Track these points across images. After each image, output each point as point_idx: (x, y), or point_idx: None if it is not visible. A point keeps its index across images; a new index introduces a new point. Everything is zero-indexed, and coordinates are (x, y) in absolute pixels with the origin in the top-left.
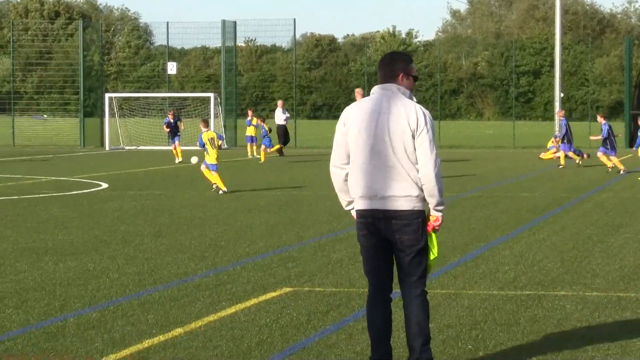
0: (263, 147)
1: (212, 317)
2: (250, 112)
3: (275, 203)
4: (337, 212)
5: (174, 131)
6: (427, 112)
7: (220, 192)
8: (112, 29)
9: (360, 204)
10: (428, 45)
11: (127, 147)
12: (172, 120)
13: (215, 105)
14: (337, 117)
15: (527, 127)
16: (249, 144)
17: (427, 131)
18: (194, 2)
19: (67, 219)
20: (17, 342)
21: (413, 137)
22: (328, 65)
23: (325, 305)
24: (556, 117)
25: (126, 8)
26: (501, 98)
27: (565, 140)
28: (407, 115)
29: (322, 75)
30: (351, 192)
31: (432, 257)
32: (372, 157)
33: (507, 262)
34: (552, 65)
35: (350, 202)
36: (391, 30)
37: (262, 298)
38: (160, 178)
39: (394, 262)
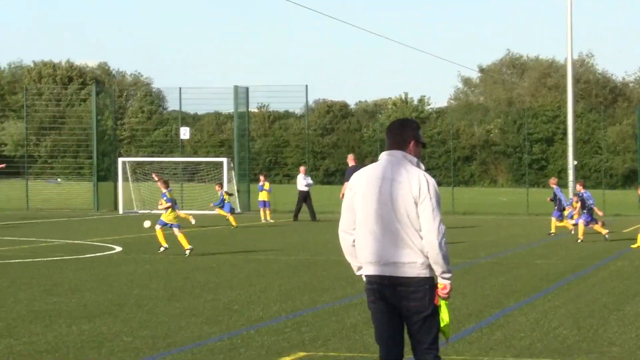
0: (222, 212)
1: None
2: (262, 178)
3: (289, 268)
4: (351, 277)
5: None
6: (431, 180)
7: (187, 251)
8: (125, 94)
9: (367, 270)
10: (440, 112)
11: (140, 211)
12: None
13: (228, 170)
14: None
15: (541, 194)
16: (261, 209)
17: (430, 198)
18: (206, 67)
19: (80, 282)
20: None
21: (416, 204)
22: (340, 131)
23: None
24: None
25: (139, 73)
26: (514, 165)
27: (586, 212)
28: (410, 183)
29: (335, 141)
30: (359, 257)
31: (442, 324)
32: (377, 223)
33: (523, 329)
34: (565, 132)
35: (360, 267)
36: (403, 97)
37: None
38: (173, 242)
39: (404, 328)
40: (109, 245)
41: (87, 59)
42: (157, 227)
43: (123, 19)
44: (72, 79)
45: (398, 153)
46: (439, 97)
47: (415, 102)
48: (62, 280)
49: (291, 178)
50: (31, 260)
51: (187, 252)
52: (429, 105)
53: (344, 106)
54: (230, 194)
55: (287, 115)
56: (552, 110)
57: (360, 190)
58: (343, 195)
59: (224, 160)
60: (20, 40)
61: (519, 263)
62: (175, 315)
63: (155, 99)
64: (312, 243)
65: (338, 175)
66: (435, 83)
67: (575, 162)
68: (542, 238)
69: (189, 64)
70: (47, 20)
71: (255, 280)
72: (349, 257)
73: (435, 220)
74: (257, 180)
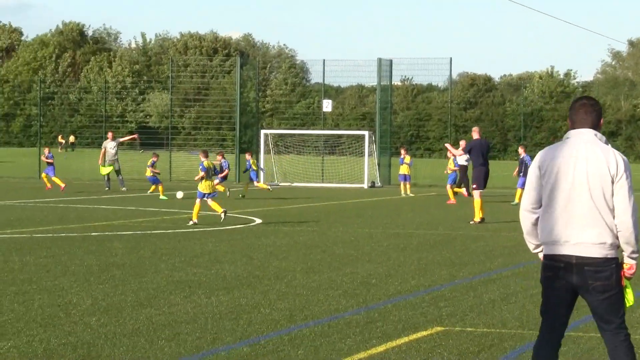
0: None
1: (362, 355)
2: (403, 151)
3: (428, 242)
4: (490, 252)
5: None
6: (625, 159)
7: (222, 216)
8: (269, 66)
9: (551, 249)
10: (587, 86)
11: (281, 184)
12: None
13: (369, 143)
14: (492, 157)
15: None
16: (402, 182)
17: (627, 177)
18: (350, 40)
19: (220, 253)
20: None
21: (612, 182)
22: (484, 105)
23: (477, 346)
24: None
25: (283, 45)
26: None
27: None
28: (607, 161)
29: (478, 115)
30: (542, 236)
31: (628, 305)
32: (570, 202)
33: None
34: None
35: (538, 246)
36: (549, 71)
37: (413, 337)
38: (313, 214)
39: (572, 310)
40: (249, 217)
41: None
42: (197, 200)
43: None
44: (216, 51)
45: (589, 132)
46: (586, 71)
47: (562, 76)
48: (202, 252)
49: (432, 152)
50: (172, 231)
51: (222, 215)
52: (575, 79)
53: (488, 79)
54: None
55: (430, 88)
56: None
57: (551, 169)
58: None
59: (366, 133)
60: (167, 12)
61: None
62: (313, 287)
63: (298, 71)
64: (452, 218)
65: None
66: (582, 57)
67: None
68: None
69: (333, 36)
70: None
71: (393, 254)
72: (527, 236)
73: (630, 200)
74: (398, 154)
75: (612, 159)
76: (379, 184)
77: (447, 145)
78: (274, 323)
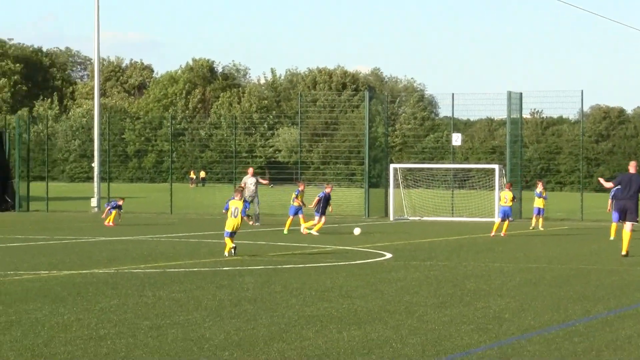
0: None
1: None
2: (540, 184)
3: (561, 276)
4: (626, 287)
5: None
6: None
7: (226, 254)
8: (397, 100)
9: None
10: None
11: (410, 218)
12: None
13: (500, 177)
14: None
15: None
16: (534, 216)
17: None
18: (479, 73)
19: (351, 288)
20: None
21: None
22: (616, 137)
23: None
24: None
25: (412, 79)
26: None
27: None
28: None
29: (610, 148)
30: None
31: None
32: None
33: None
34: None
35: None
36: None
37: None
38: (444, 249)
39: None
40: (379, 251)
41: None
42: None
43: (396, 25)
44: (345, 86)
45: None
46: None
47: None
48: (333, 286)
49: (563, 185)
50: (302, 265)
51: (226, 253)
52: None
53: (620, 112)
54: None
55: (560, 121)
56: None
57: None
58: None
59: (496, 167)
60: (296, 48)
61: None
62: (445, 322)
63: (427, 105)
64: (586, 252)
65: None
66: None
67: None
68: None
69: (462, 70)
70: (321, 28)
71: (526, 289)
72: None
73: None
74: (529, 187)
75: None
76: (511, 218)
77: (600, 179)
78: (406, 358)
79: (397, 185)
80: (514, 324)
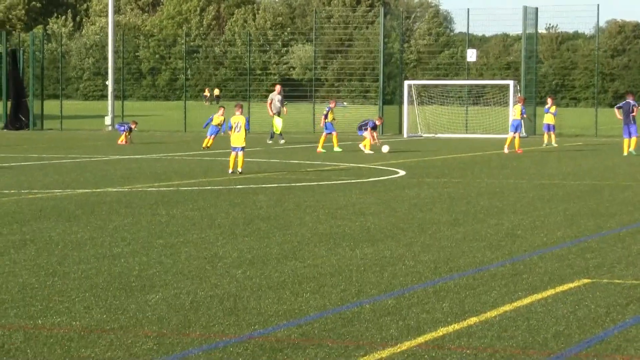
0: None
1: (507, 307)
2: (550, 100)
3: (575, 193)
4: (639, 202)
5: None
6: None
7: (239, 171)
8: (413, 16)
9: None
10: None
11: (424, 135)
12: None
13: (514, 93)
14: None
15: None
16: (546, 132)
17: None
18: None
19: (364, 205)
20: (314, 326)
21: None
22: (632, 52)
23: (625, 298)
24: None
25: None
26: None
27: None
28: None
29: (626, 63)
30: None
31: None
32: None
33: None
34: None
35: None
36: None
37: (559, 289)
38: (457, 166)
39: None
40: (392, 169)
41: None
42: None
43: None
44: (360, 2)
45: None
46: None
47: None
48: (346, 204)
49: (578, 101)
50: (316, 183)
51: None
52: None
53: (636, 26)
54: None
55: (576, 36)
56: None
57: None
58: None
59: (510, 83)
60: None
61: None
62: (458, 239)
63: (442, 21)
64: (600, 168)
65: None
66: None
67: None
68: None
69: None
70: None
71: (539, 205)
72: None
73: None
74: (544, 104)
75: None
76: (524, 134)
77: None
78: (418, 275)
79: (411, 102)
80: (526, 241)
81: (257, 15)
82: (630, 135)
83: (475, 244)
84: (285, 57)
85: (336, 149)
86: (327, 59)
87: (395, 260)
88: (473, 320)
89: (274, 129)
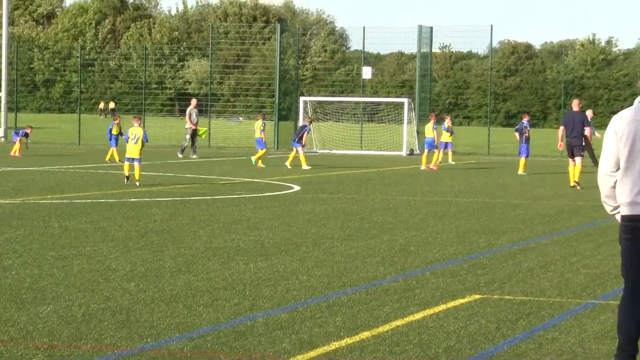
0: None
1: (399, 322)
2: (447, 118)
3: (467, 210)
4: (529, 220)
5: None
6: None
7: (137, 183)
8: (309, 33)
9: (628, 210)
10: (628, 54)
11: (320, 151)
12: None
13: (408, 110)
14: (532, 125)
15: None
16: (442, 150)
17: None
18: (390, 7)
19: (258, 220)
20: (207, 339)
21: None
22: (524, 72)
23: (515, 314)
24: None
25: (322, 11)
26: None
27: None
28: None
29: (518, 83)
30: (619, 198)
31: None
32: None
33: None
34: None
35: (616, 208)
36: (590, 38)
37: (451, 304)
38: (352, 182)
39: None
40: (287, 184)
41: None
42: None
43: None
44: (256, 18)
45: None
46: (628, 38)
47: (603, 44)
48: (241, 218)
49: (471, 120)
50: (211, 197)
51: (136, 183)
52: (617, 46)
53: (528, 47)
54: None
55: (469, 55)
56: None
57: (627, 133)
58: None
59: (405, 100)
60: None
61: None
62: (352, 255)
63: (338, 38)
64: (492, 186)
65: (519, 118)
66: (624, 24)
67: None
68: None
69: (372, 3)
70: None
71: (432, 222)
72: (607, 199)
73: None
74: (438, 122)
75: None
76: (418, 151)
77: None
78: (312, 290)
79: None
80: (419, 257)
81: (153, 30)
82: (519, 155)
83: (368, 259)
84: (181, 72)
85: (260, 164)
86: (223, 74)
87: (288, 275)
88: (365, 334)
89: (202, 136)
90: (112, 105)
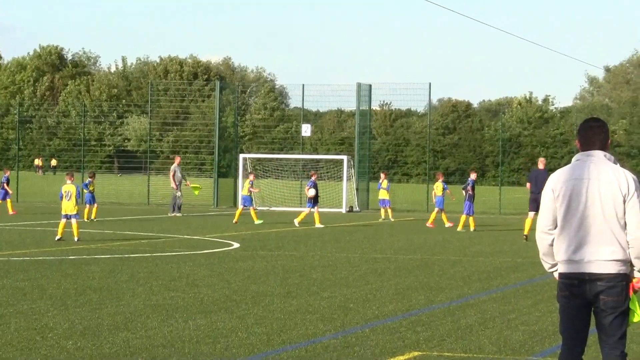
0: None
1: None
2: (383, 175)
3: (406, 267)
4: (468, 277)
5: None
6: (635, 177)
7: (76, 239)
8: (248, 90)
9: (565, 268)
10: (564, 112)
11: (259, 208)
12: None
13: (348, 167)
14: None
15: None
16: (382, 207)
17: (637, 195)
18: (329, 65)
19: (198, 277)
20: None
21: (624, 201)
22: (463, 130)
23: None
24: None
25: (262, 69)
26: (639, 167)
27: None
28: (618, 181)
29: (456, 141)
30: (557, 256)
31: (636, 319)
32: (583, 222)
33: None
34: None
35: (554, 265)
36: (528, 96)
37: None
38: (291, 239)
39: (590, 325)
40: (227, 241)
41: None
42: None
43: (247, 14)
44: (197, 75)
45: (599, 153)
46: (564, 96)
47: (540, 102)
48: (180, 275)
49: (410, 177)
50: (150, 255)
51: (75, 239)
52: (553, 105)
53: (467, 105)
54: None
55: (409, 113)
56: None
57: (565, 191)
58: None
59: (344, 157)
60: (147, 36)
61: None
62: (291, 312)
63: (277, 95)
64: (430, 243)
65: (457, 175)
66: (560, 82)
67: None
68: None
69: (312, 61)
70: (173, 16)
71: (371, 279)
72: (544, 257)
73: None
74: (377, 179)
75: (622, 178)
76: (357, 208)
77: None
78: (251, 347)
79: (246, 176)
80: (358, 314)
81: (92, 87)
82: (464, 212)
83: (308, 316)
84: (120, 129)
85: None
86: (162, 130)
87: (228, 332)
88: None
89: (195, 193)
90: (53, 162)
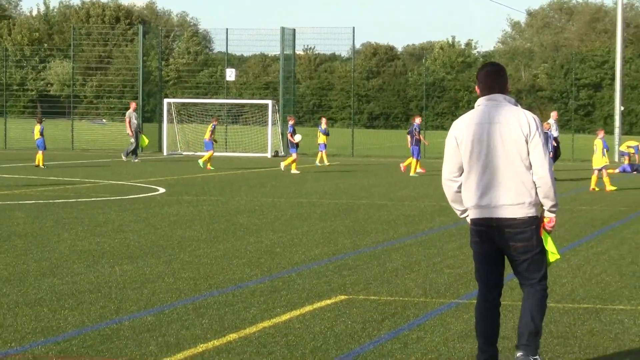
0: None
1: (266, 323)
2: (324, 120)
3: (332, 211)
4: (393, 221)
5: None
6: (536, 117)
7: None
8: (172, 35)
9: (474, 213)
10: (487, 56)
11: (184, 153)
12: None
13: (273, 112)
14: (394, 127)
15: (587, 140)
16: (320, 152)
17: (539, 135)
18: (253, 9)
19: (124, 222)
20: (73, 343)
21: (526, 142)
22: (386, 74)
23: (380, 314)
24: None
25: (185, 13)
26: (560, 110)
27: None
28: (519, 122)
29: (380, 85)
30: (465, 202)
31: (553, 259)
32: (487, 167)
33: (565, 274)
34: (613, 78)
35: (464, 211)
36: (450, 41)
37: (317, 305)
38: (217, 184)
39: (504, 268)
40: (152, 186)
41: None
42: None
43: None
44: (119, 19)
45: (499, 96)
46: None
47: (462, 46)
48: (106, 221)
49: (335, 122)
50: (75, 200)
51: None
52: (476, 49)
53: (390, 49)
54: None
55: (333, 58)
56: (600, 56)
57: (466, 137)
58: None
59: (269, 102)
60: None
61: (562, 209)
62: (217, 257)
63: (201, 40)
64: (356, 187)
65: (382, 120)
66: (483, 27)
67: (622, 108)
68: (588, 184)
69: (236, 5)
70: None
71: (297, 223)
72: (453, 204)
73: (546, 155)
74: (301, 124)
75: (523, 119)
76: (282, 153)
77: None
78: (178, 292)
79: (170, 120)
80: (285, 258)
81: (13, 31)
82: (412, 156)
83: (234, 261)
84: (42, 73)
85: (208, 166)
86: (85, 75)
87: (155, 277)
88: (232, 336)
89: (142, 144)
90: None
